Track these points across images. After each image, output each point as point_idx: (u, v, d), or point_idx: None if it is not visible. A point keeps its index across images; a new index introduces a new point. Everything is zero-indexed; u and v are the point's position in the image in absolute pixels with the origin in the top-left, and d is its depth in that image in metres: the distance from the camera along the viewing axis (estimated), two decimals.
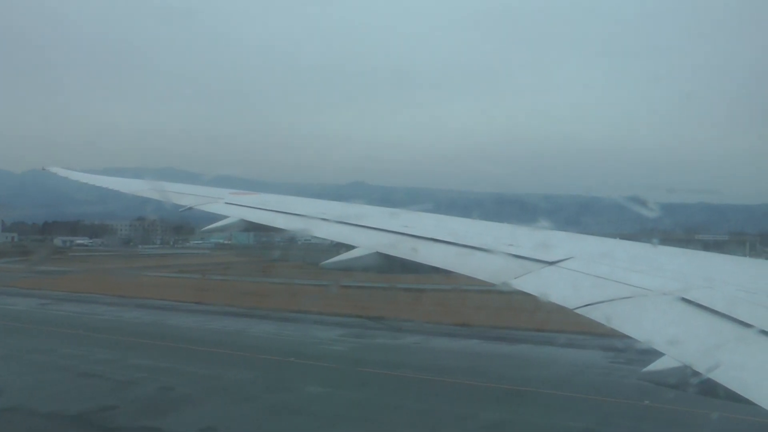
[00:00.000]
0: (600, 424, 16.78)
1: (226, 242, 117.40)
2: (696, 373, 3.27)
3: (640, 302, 4.33)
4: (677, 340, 3.69)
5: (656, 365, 3.58)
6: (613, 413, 17.38)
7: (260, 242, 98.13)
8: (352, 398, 18.88)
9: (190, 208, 9.64)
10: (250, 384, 20.70)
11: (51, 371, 22.60)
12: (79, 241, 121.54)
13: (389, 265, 6.31)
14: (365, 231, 7.01)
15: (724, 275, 4.94)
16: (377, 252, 6.28)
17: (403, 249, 6.27)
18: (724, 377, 3.12)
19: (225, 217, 8.69)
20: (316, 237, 8.10)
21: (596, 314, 4.18)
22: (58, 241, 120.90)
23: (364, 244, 6.54)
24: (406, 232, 6.76)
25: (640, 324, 4.07)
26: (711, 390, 3.18)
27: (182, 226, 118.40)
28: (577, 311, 4.28)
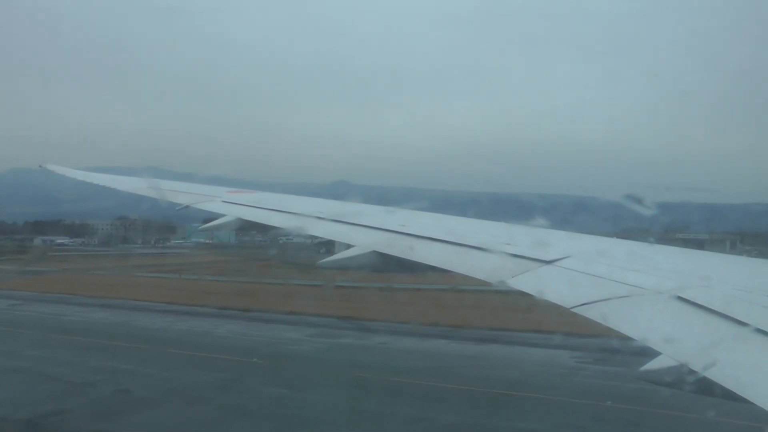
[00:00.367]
0: (554, 426, 16.48)
1: (207, 241, 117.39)
2: (692, 372, 3.28)
3: (637, 301, 4.34)
4: (673, 338, 3.70)
5: (652, 364, 3.59)
6: (571, 414, 17.14)
7: (242, 241, 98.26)
8: (308, 400, 18.74)
9: (187, 207, 9.65)
10: (207, 386, 20.55)
11: (5, 374, 22.38)
12: (60, 240, 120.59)
13: (386, 264, 6.31)
14: (362, 230, 7.01)
15: (720, 274, 4.96)
16: (374, 251, 6.28)
17: (399, 248, 6.27)
18: (720, 376, 3.14)
19: (222, 215, 8.70)
20: (311, 236, 8.11)
21: (593, 313, 4.20)
22: (38, 240, 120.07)
23: (361, 242, 6.54)
24: (402, 230, 6.76)
25: (636, 323, 4.08)
26: (707, 388, 3.19)
27: (164, 225, 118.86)
28: (574, 310, 4.30)
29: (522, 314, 26.19)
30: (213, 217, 8.85)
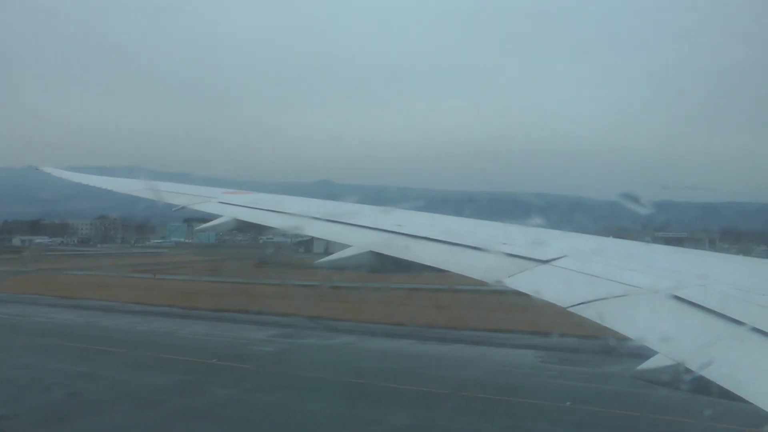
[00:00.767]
0: (508, 428, 16.26)
1: (186, 241, 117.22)
2: (689, 371, 3.28)
3: (633, 300, 4.34)
4: (670, 337, 3.70)
5: (649, 363, 3.59)
6: (527, 416, 16.97)
7: (222, 241, 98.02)
8: (261, 401, 18.65)
9: (183, 208, 9.66)
10: (160, 389, 20.34)
11: None
12: (38, 240, 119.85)
13: (382, 263, 6.30)
14: (358, 229, 7.00)
15: (717, 273, 4.96)
16: (370, 251, 6.27)
17: (396, 247, 6.26)
18: (716, 375, 3.13)
19: (218, 216, 8.69)
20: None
21: (589, 312, 4.19)
22: (16, 240, 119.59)
23: (357, 242, 6.53)
24: (399, 230, 6.75)
25: (633, 322, 4.08)
26: (704, 387, 3.19)
27: (144, 225, 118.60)
28: (571, 310, 4.29)
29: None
30: (210, 217, 8.84)
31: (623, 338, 3.87)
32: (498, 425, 16.51)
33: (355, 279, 31.61)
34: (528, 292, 4.81)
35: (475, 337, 27.75)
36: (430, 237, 6.42)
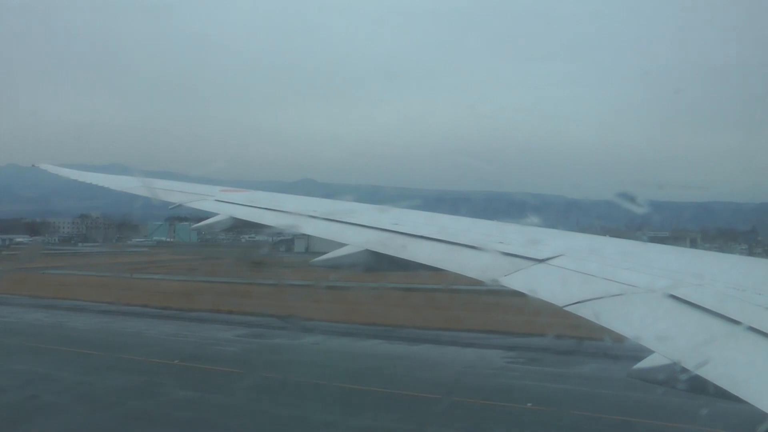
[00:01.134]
0: (469, 430, 15.89)
1: (168, 240, 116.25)
2: (685, 370, 3.28)
3: (630, 299, 4.34)
4: (666, 336, 3.70)
5: (645, 362, 3.59)
6: (489, 417, 16.63)
7: (203, 240, 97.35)
8: (219, 403, 18.41)
9: (180, 206, 9.63)
10: (119, 390, 20.01)
11: None
12: (19, 239, 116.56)
13: (378, 262, 6.30)
14: (355, 228, 6.99)
15: (713, 272, 4.96)
16: (367, 249, 6.26)
17: (392, 246, 6.26)
18: (713, 374, 3.13)
19: (215, 214, 8.66)
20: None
21: (585, 311, 4.19)
22: None
23: (354, 241, 6.51)
24: (395, 229, 6.74)
25: (629, 321, 4.08)
26: (700, 387, 3.19)
27: (126, 223, 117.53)
28: (567, 309, 4.29)
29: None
30: (206, 215, 8.81)
31: (618, 337, 3.87)
32: (457, 427, 16.08)
33: (344, 279, 31.36)
34: (524, 291, 4.81)
35: (444, 337, 27.36)
36: (427, 236, 6.42)
